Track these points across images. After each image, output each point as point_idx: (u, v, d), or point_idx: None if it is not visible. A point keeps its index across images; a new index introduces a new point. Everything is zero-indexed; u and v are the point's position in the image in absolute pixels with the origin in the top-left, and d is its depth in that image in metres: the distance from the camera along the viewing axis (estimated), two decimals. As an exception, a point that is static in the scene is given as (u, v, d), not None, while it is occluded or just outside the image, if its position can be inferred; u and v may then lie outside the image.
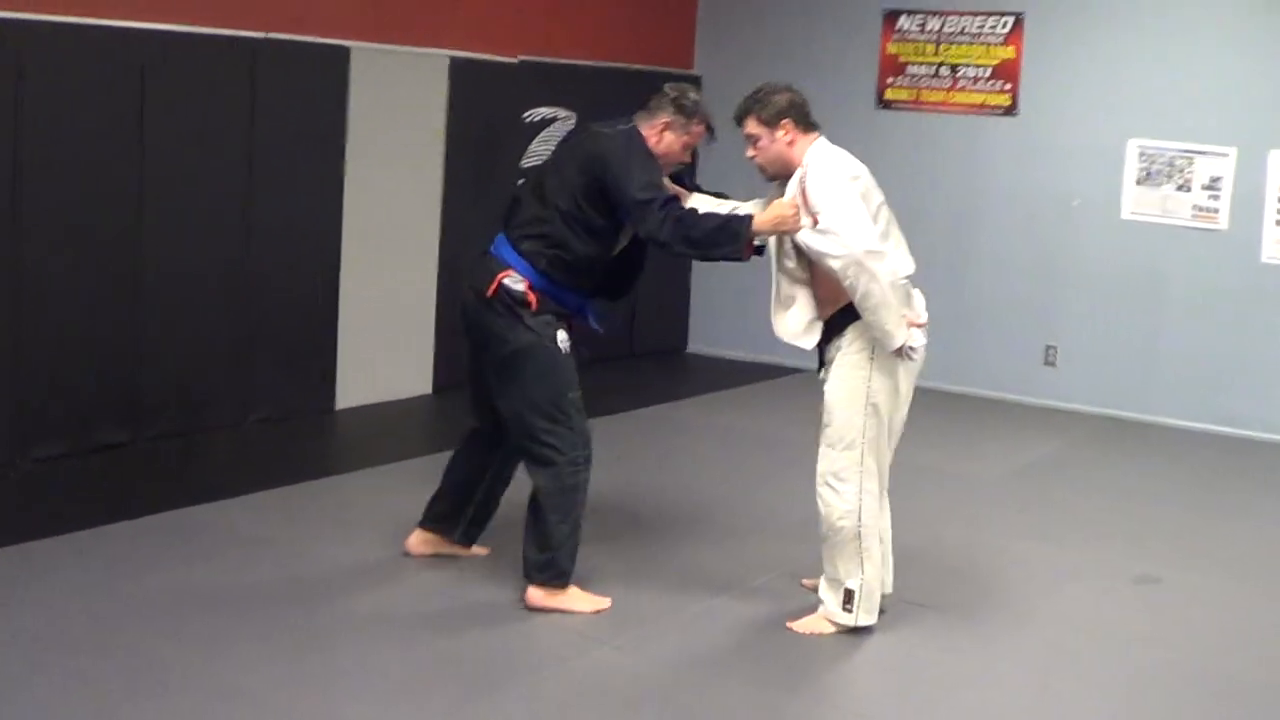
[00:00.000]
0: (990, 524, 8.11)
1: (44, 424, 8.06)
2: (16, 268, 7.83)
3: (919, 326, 5.96)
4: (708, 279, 12.56)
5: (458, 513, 6.73)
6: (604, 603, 6.27)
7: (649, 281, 11.58)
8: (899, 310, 5.85)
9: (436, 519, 6.77)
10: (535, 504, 6.19)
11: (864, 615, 6.09)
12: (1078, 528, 8.15)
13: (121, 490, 7.77)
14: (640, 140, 6.24)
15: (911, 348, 5.90)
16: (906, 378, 6.08)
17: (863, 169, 6.05)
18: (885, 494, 6.18)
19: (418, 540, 6.79)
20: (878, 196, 6.04)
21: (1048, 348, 11.31)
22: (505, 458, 6.58)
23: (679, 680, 5.67)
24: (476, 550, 6.81)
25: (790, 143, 6.11)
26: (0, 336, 7.85)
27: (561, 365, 6.21)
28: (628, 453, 9.06)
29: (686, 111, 6.36)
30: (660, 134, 6.31)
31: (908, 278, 6.02)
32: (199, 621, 5.93)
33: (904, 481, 6.22)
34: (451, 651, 5.83)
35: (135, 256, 8.43)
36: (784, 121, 6.11)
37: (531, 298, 6.16)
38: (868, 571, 6.05)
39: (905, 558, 6.67)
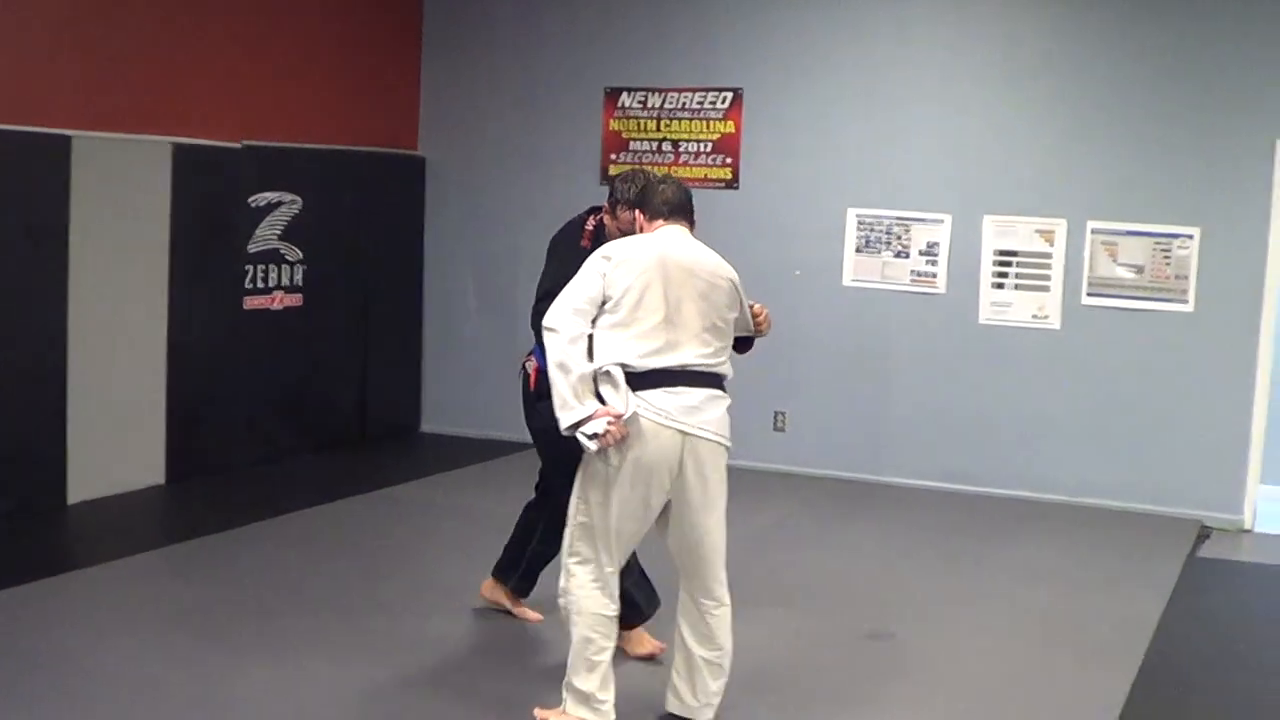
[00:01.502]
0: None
1: None
2: None
3: (611, 417, 5.51)
4: (439, 358, 12.57)
5: (515, 563, 7.32)
6: None
7: (379, 360, 11.68)
8: (564, 392, 5.54)
9: (500, 566, 7.41)
10: None
11: (574, 707, 5.84)
12: (809, 588, 8.33)
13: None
14: (570, 232, 6.94)
15: (590, 434, 5.50)
16: (638, 478, 5.65)
17: (637, 253, 5.74)
18: (696, 597, 5.93)
19: (486, 586, 7.48)
20: (640, 282, 5.68)
21: (776, 413, 11.53)
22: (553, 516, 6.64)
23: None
24: (527, 611, 7.40)
25: (639, 226, 6.13)
26: None
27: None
28: (362, 536, 9.06)
29: (613, 200, 6.78)
30: (608, 217, 6.82)
31: (643, 373, 5.61)
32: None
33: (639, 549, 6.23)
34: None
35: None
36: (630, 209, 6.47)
37: (533, 378, 6.70)
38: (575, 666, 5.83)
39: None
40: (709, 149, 11.57)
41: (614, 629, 5.84)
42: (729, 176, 11.50)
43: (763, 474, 11.26)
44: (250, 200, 10.69)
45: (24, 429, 9.19)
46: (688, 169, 11.56)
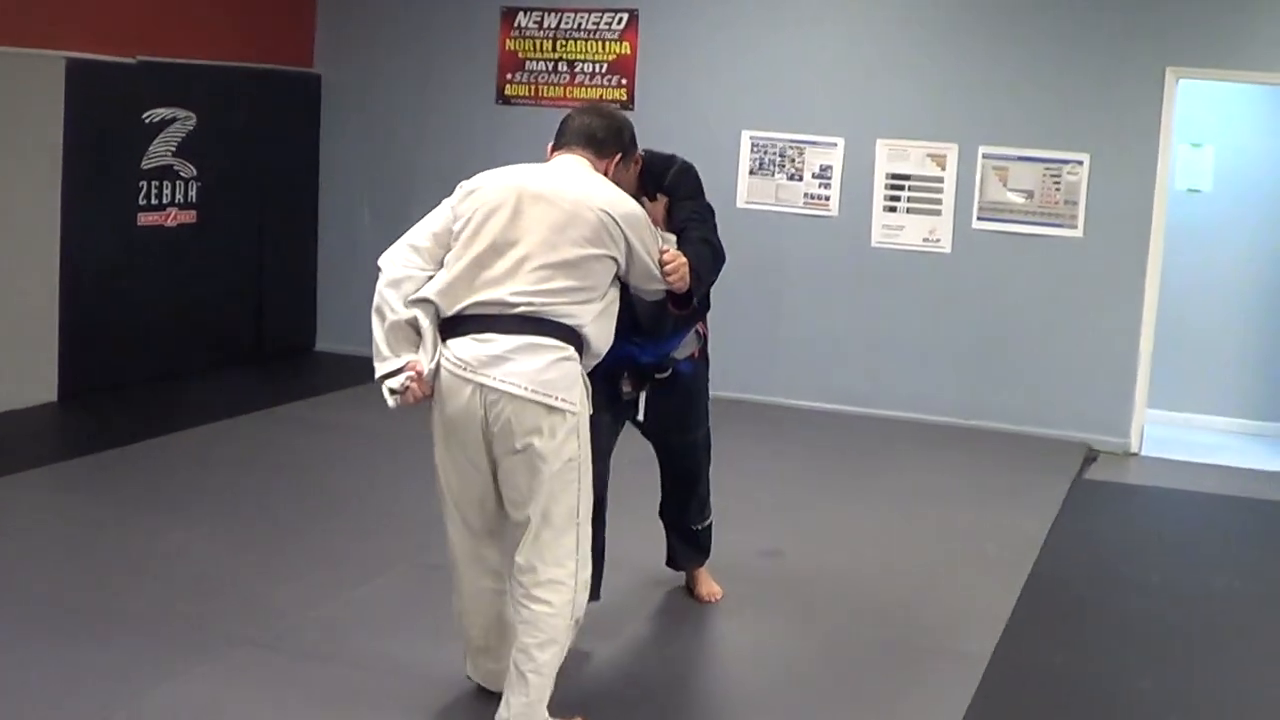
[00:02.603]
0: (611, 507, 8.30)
1: None
2: None
3: (413, 373, 4.95)
4: (334, 276, 12.54)
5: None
6: None
7: (274, 278, 11.60)
8: (377, 339, 5.05)
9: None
10: None
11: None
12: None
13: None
14: None
15: (391, 389, 4.98)
16: (452, 438, 5.04)
17: (494, 182, 5.08)
18: (475, 571, 5.28)
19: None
20: (481, 213, 5.00)
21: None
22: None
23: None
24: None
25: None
26: None
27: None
28: (256, 453, 9.10)
29: None
30: None
31: (455, 318, 4.96)
32: None
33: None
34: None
35: None
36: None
37: None
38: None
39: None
40: (604, 70, 11.57)
41: (466, 602, 5.31)
42: (624, 98, 11.51)
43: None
44: (144, 116, 10.61)
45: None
46: (583, 90, 11.58)
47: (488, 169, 5.29)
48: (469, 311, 4.90)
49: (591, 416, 5.23)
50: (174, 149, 10.88)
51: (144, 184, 10.67)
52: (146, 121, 10.62)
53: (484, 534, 5.19)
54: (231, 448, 9.27)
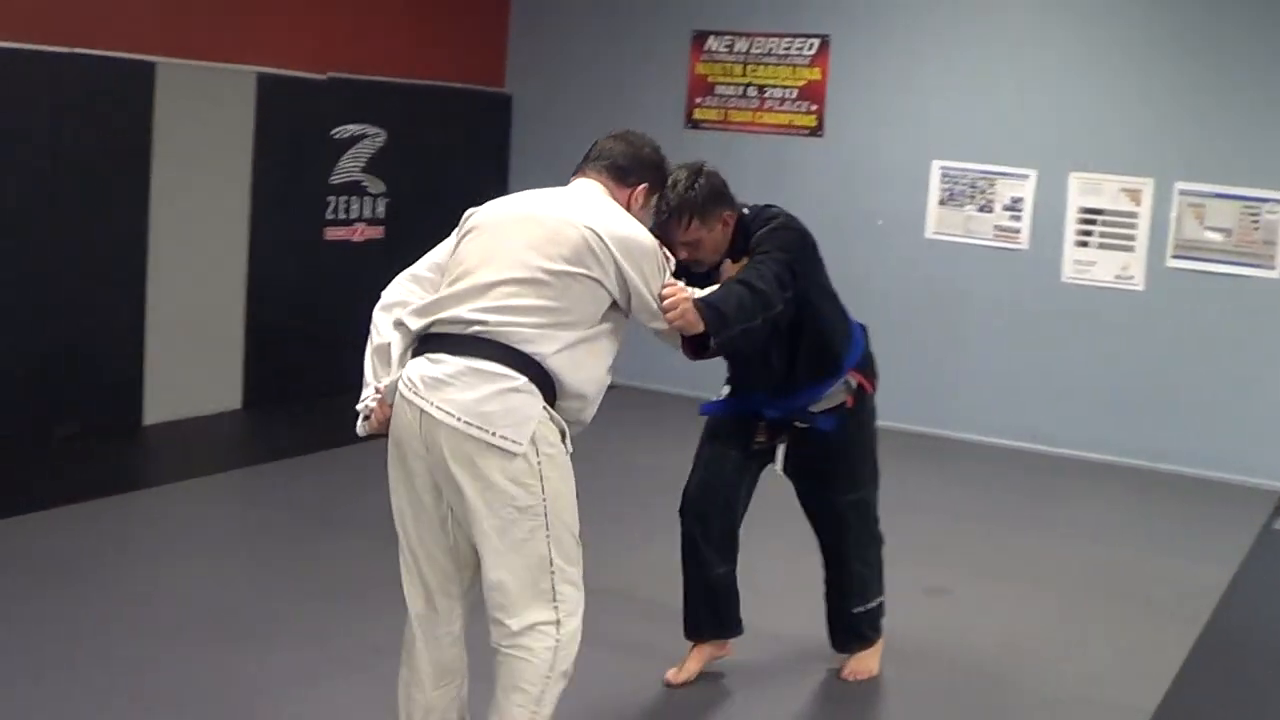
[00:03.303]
0: (783, 539, 8.19)
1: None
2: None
3: (376, 396, 4.59)
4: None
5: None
6: None
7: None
8: (365, 365, 4.68)
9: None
10: None
11: None
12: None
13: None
14: None
15: (357, 411, 4.65)
16: (401, 466, 4.56)
17: (491, 207, 4.75)
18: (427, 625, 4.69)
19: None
20: (468, 236, 4.67)
21: (859, 362, 11.43)
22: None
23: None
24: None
25: None
26: None
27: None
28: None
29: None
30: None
31: (420, 336, 4.52)
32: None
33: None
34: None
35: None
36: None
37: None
38: None
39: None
40: (794, 95, 11.48)
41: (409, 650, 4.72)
42: (813, 124, 11.42)
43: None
44: (333, 132, 10.74)
45: (104, 352, 9.33)
46: (772, 115, 11.51)
47: None
48: (431, 330, 4.45)
49: (717, 447, 5.60)
50: (363, 165, 11.00)
51: (331, 199, 10.80)
52: (335, 137, 10.75)
53: (442, 594, 4.61)
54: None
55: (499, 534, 4.33)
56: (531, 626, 4.40)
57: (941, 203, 11.15)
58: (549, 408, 4.38)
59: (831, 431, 5.79)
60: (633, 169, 4.79)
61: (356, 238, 11.05)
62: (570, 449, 4.46)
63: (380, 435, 4.56)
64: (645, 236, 4.58)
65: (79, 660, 5.79)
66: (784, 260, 5.32)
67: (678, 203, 5.36)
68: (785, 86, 11.51)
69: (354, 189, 10.98)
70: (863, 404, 5.91)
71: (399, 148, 11.29)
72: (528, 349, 4.31)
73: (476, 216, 4.70)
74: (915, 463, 10.31)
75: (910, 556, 7.86)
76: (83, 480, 8.32)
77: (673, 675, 5.97)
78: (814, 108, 11.44)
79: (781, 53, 11.51)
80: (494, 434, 4.26)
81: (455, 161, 11.93)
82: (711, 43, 11.76)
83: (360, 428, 4.62)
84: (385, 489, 4.55)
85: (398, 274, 4.74)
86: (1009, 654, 6.67)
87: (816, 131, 11.41)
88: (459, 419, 4.26)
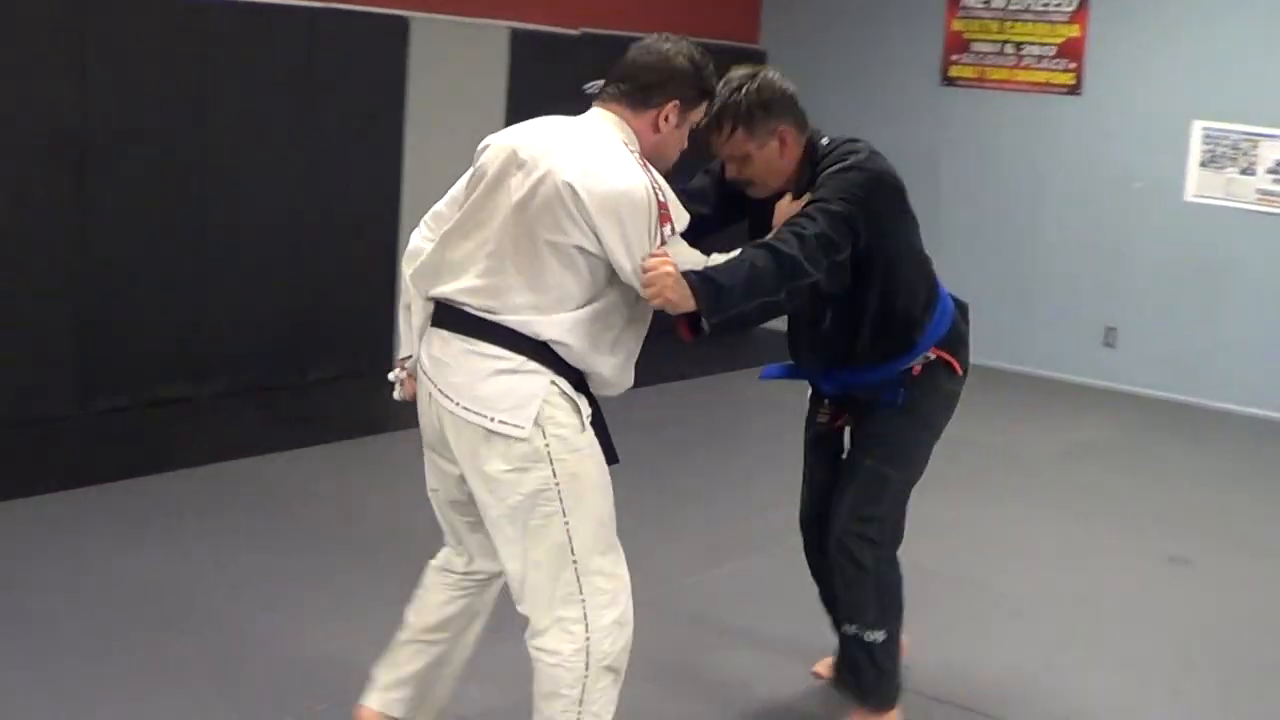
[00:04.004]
0: (1027, 498, 8.14)
1: (107, 377, 8.29)
2: (84, 226, 8.09)
3: (403, 369, 4.40)
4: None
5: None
6: None
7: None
8: (400, 322, 4.41)
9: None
10: None
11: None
12: (1117, 507, 8.15)
13: (177, 441, 8.00)
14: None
15: (389, 380, 4.49)
16: (424, 438, 4.28)
17: (499, 140, 4.19)
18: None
19: None
20: (480, 164, 4.16)
21: (1107, 329, 11.24)
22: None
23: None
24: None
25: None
26: (68, 294, 8.10)
27: None
28: (686, 418, 9.22)
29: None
30: None
31: (434, 304, 4.17)
32: (244, 564, 6.20)
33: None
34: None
35: (199, 218, 8.64)
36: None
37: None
38: None
39: (937, 527, 6.75)
40: (1052, 53, 11.26)
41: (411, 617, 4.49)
42: (1072, 82, 11.19)
43: (1089, 390, 11.10)
44: (585, 88, 10.79)
45: (357, 299, 9.52)
46: (1029, 72, 11.32)
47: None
48: (439, 298, 4.11)
49: (810, 455, 5.10)
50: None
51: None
52: (588, 93, 10.80)
53: (456, 543, 4.41)
54: (656, 412, 9.38)
55: (509, 522, 4.00)
56: (556, 623, 4.05)
57: (1202, 165, 10.85)
58: (561, 383, 3.97)
59: (902, 401, 4.85)
60: (659, 84, 4.16)
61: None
62: (585, 425, 4.04)
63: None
64: (635, 190, 3.91)
65: (356, 583, 6.03)
66: (840, 214, 4.36)
67: (720, 106, 4.50)
68: (1043, 43, 11.30)
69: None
70: (934, 376, 4.88)
71: (651, 104, 11.32)
72: (526, 330, 3.93)
73: (486, 152, 4.13)
74: (1169, 431, 10.12)
75: (1153, 524, 7.76)
76: (335, 421, 8.63)
77: (820, 668, 5.44)
78: (1072, 65, 11.21)
79: (1040, 9, 11.29)
80: (492, 419, 3.91)
81: (708, 117, 11.95)
82: (968, -1, 11.62)
83: (396, 394, 4.43)
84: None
85: None
86: (1244, 627, 6.50)
87: (1075, 90, 11.19)
88: (458, 404, 3.97)
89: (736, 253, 4.11)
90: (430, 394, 4.07)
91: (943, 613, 6.20)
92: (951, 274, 11.18)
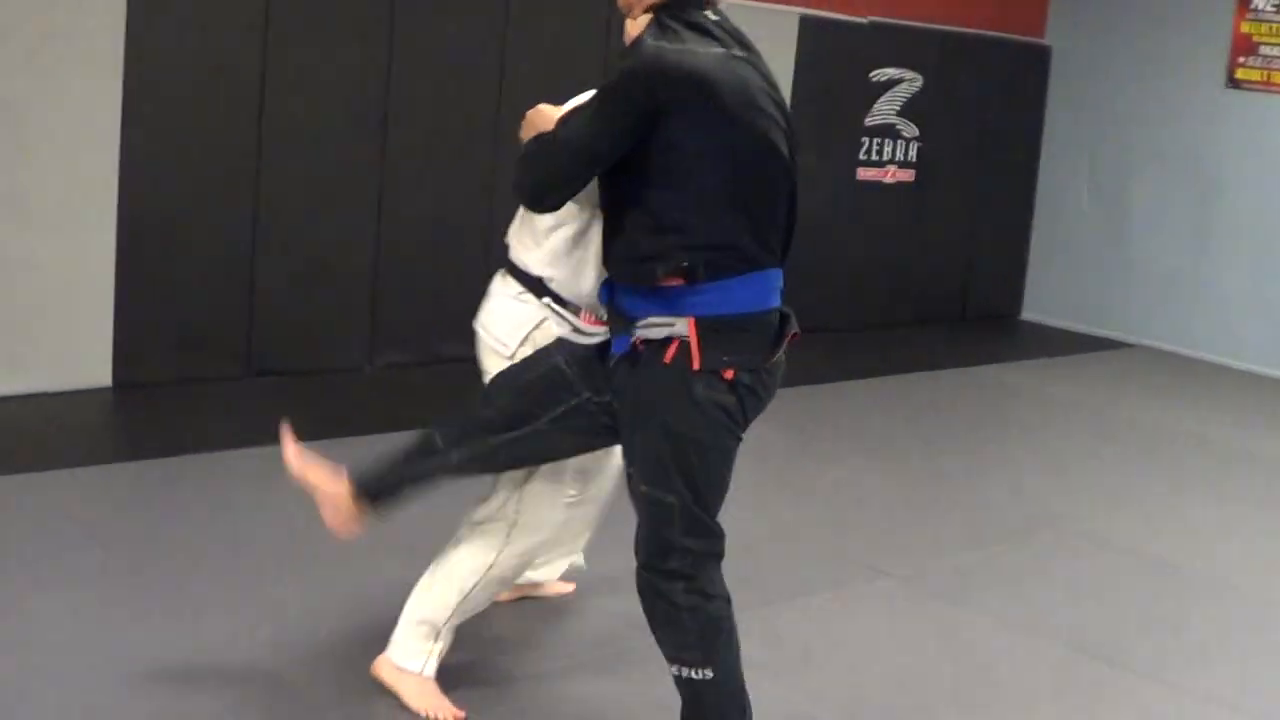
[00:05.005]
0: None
1: (393, 335, 8.73)
2: (380, 191, 8.57)
3: None
4: (1045, 249, 12.70)
5: None
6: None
7: (985, 244, 11.76)
8: None
9: None
10: None
11: None
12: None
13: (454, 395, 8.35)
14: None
15: None
16: None
17: None
18: None
19: None
20: None
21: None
22: None
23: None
24: None
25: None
26: (361, 253, 8.58)
27: None
28: (943, 407, 9.42)
29: None
30: None
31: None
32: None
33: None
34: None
35: (488, 177, 8.86)
36: None
37: None
38: None
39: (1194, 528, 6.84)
40: (1349, 59, 11.20)
41: None
42: (1362, 88, 11.12)
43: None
44: (871, 75, 11.07)
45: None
46: (1316, 78, 11.29)
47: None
48: None
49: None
50: (898, 108, 11.30)
51: (866, 140, 11.14)
52: (873, 80, 11.07)
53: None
54: (914, 400, 9.60)
55: None
56: (479, 515, 4.57)
57: None
58: (562, 311, 4.37)
59: (646, 372, 3.97)
60: None
61: (888, 179, 11.37)
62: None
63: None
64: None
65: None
66: (600, 114, 3.91)
67: None
68: (1339, 50, 11.23)
69: (888, 132, 11.30)
70: (681, 373, 3.91)
71: (935, 93, 11.55)
72: (522, 265, 4.44)
73: None
74: None
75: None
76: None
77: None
78: (1365, 71, 11.13)
79: (1330, 13, 11.23)
80: (489, 335, 4.49)
81: (990, 111, 12.10)
82: (1258, 1, 11.52)
83: None
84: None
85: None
86: None
87: (1363, 95, 11.11)
88: (477, 322, 4.56)
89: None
90: None
91: (1199, 613, 6.32)
92: (1225, 276, 11.21)
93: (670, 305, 3.89)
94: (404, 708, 4.49)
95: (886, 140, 11.31)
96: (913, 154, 11.52)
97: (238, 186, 8.06)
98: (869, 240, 11.36)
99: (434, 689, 4.54)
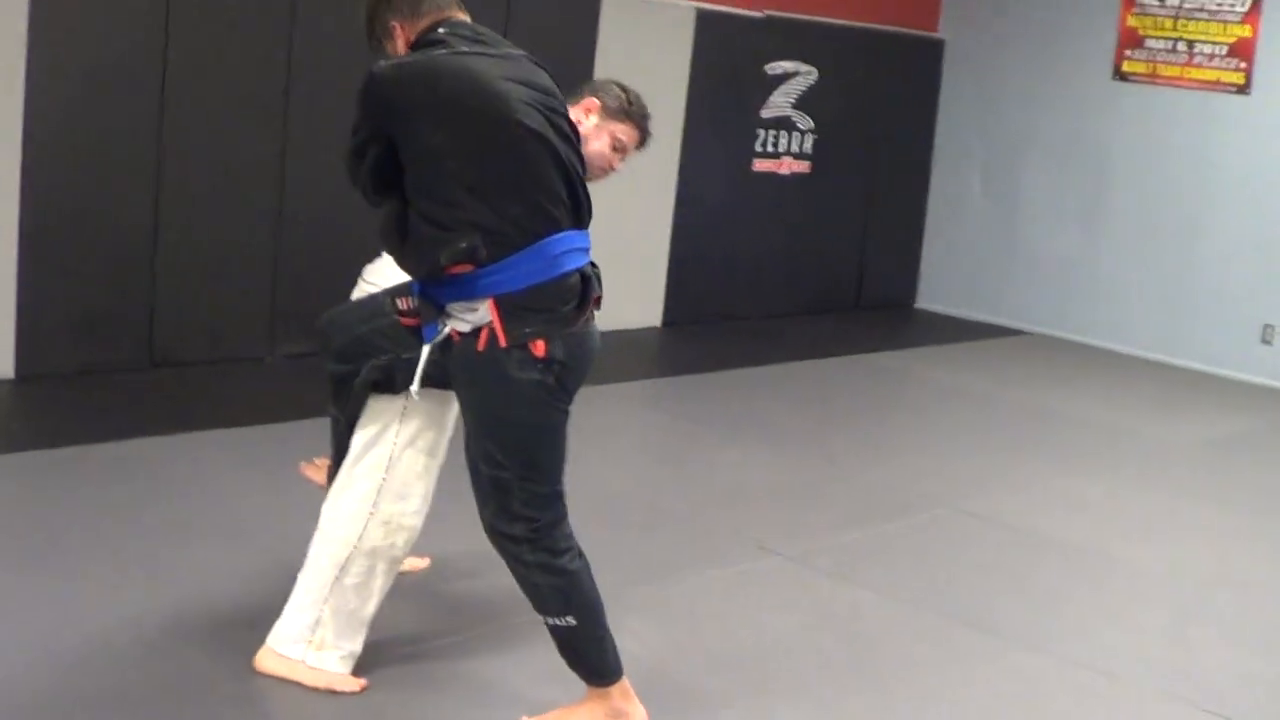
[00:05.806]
0: (1170, 484, 8.33)
1: (292, 325, 8.79)
2: (281, 180, 8.65)
3: None
4: (938, 238, 12.92)
5: None
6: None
7: (878, 235, 11.94)
8: None
9: None
10: None
11: None
12: (1251, 497, 8.26)
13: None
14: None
15: None
16: None
17: None
18: None
19: None
20: None
21: (1265, 326, 11.36)
22: None
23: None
24: None
25: None
26: (263, 246, 8.66)
27: None
28: (832, 393, 9.59)
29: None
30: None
31: None
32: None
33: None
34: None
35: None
36: None
37: None
38: None
39: (1081, 504, 7.15)
40: (1224, 52, 11.44)
41: None
42: (1241, 81, 11.35)
43: (1245, 386, 11.20)
44: (767, 68, 11.23)
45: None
46: (1200, 71, 11.49)
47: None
48: None
49: None
50: (793, 101, 11.47)
51: (761, 132, 11.31)
52: (769, 73, 11.24)
53: None
54: (806, 386, 9.77)
55: None
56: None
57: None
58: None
59: (460, 354, 4.30)
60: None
61: (783, 170, 11.54)
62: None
63: None
64: None
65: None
66: (356, 129, 4.47)
67: None
68: (1215, 42, 11.45)
69: (784, 124, 11.48)
70: (495, 359, 4.20)
71: (830, 87, 11.73)
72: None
73: None
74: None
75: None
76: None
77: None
78: (1243, 65, 11.37)
79: (1213, 8, 11.44)
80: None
81: (883, 103, 12.30)
82: (1143, -5, 11.81)
83: None
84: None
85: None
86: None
87: (1244, 89, 11.35)
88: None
89: None
90: None
91: (1080, 585, 6.52)
92: (1114, 264, 11.46)
93: (467, 290, 4.18)
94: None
95: (782, 132, 11.48)
96: (808, 146, 11.69)
97: (138, 176, 8.11)
98: (765, 231, 11.52)
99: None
